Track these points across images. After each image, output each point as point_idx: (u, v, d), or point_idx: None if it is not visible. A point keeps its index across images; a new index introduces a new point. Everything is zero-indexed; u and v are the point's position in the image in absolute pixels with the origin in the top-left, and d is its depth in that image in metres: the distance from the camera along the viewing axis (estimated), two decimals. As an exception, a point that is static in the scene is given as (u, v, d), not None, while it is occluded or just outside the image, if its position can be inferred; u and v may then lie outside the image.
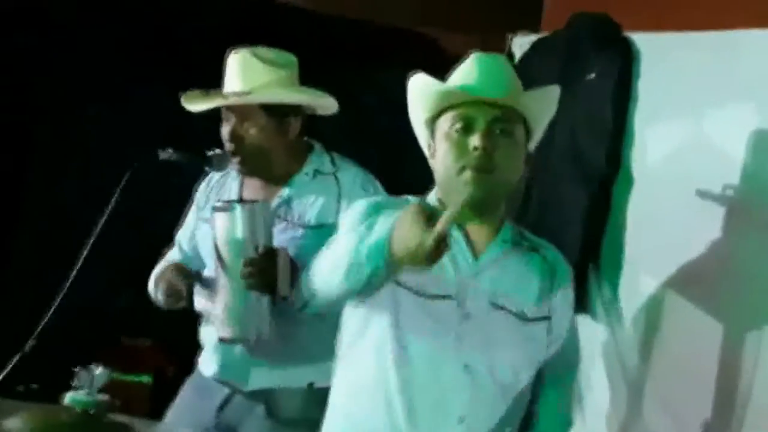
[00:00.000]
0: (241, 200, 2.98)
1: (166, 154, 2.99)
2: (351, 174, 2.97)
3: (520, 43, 3.87)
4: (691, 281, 3.10)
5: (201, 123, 3.15)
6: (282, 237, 2.90)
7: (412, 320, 2.30)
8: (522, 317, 2.36)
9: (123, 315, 5.11)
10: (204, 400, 3.02)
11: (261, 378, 2.95)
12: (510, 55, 3.85)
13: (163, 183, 3.14)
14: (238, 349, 2.97)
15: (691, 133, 3.22)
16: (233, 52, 2.98)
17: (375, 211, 2.29)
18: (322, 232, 2.78)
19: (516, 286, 2.37)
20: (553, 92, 2.39)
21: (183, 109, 3.04)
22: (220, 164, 3.02)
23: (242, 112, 2.93)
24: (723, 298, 3.00)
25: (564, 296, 2.45)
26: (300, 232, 2.93)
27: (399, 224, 2.01)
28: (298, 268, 2.79)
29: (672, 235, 3.17)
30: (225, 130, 2.96)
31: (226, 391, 3.00)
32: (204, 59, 3.24)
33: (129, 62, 5.26)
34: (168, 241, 3.30)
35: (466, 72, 2.33)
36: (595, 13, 3.55)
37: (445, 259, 2.30)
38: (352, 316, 2.40)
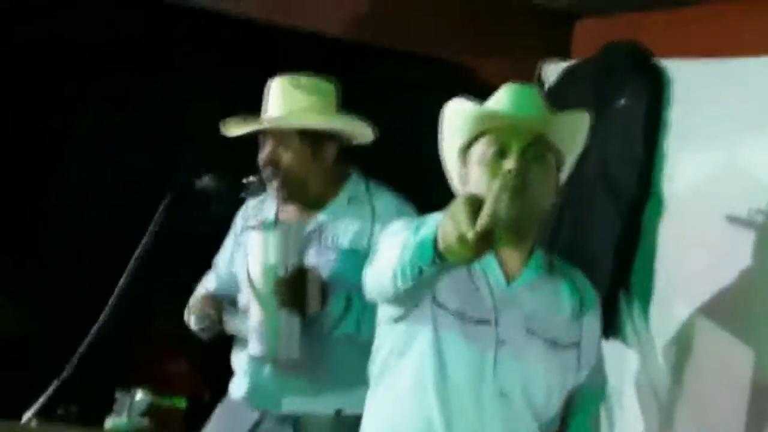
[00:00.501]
0: (275, 221, 3.03)
1: (202, 181, 3.08)
2: (385, 200, 3.02)
3: (551, 71, 3.89)
4: (721, 306, 3.09)
5: (237, 150, 3.20)
6: (316, 260, 2.95)
7: (452, 343, 2.32)
8: (554, 343, 2.38)
9: (160, 339, 5.16)
10: (235, 423, 3.05)
11: (289, 402, 2.98)
12: (540, 83, 3.87)
13: (200, 210, 3.18)
14: (267, 372, 3.01)
15: (722, 159, 3.22)
16: (274, 78, 3.05)
17: (419, 220, 2.32)
18: (356, 255, 2.84)
19: (548, 312, 2.39)
20: (585, 119, 2.42)
21: (221, 136, 3.09)
22: (255, 191, 3.09)
23: (278, 137, 2.98)
24: (754, 324, 2.99)
25: (592, 323, 2.48)
26: (333, 255, 2.97)
27: (445, 217, 1.99)
28: (329, 288, 2.87)
29: (703, 261, 3.17)
30: (262, 156, 3.02)
31: (256, 415, 3.03)
32: (241, 88, 3.29)
33: (171, 90, 5.33)
34: (206, 266, 3.34)
35: (500, 100, 2.38)
36: (627, 41, 3.57)
37: (483, 285, 2.35)
38: (389, 334, 2.41)
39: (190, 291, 3.24)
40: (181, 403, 4.77)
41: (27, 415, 2.62)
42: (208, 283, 3.25)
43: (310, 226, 3.01)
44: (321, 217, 3.02)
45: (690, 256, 3.23)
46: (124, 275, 2.89)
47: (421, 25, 3.92)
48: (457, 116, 2.39)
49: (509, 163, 2.29)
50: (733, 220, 3.07)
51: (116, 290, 2.87)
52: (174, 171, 3.25)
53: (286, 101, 3.01)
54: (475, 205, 1.95)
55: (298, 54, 3.32)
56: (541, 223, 2.42)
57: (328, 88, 3.06)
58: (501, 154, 2.32)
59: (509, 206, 2.27)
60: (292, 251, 2.86)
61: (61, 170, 5.46)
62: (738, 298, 3.04)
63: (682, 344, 3.22)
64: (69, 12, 4.78)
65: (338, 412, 2.93)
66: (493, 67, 3.99)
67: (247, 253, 2.93)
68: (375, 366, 2.45)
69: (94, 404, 2.63)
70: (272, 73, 3.07)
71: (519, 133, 2.32)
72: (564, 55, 3.97)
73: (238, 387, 3.11)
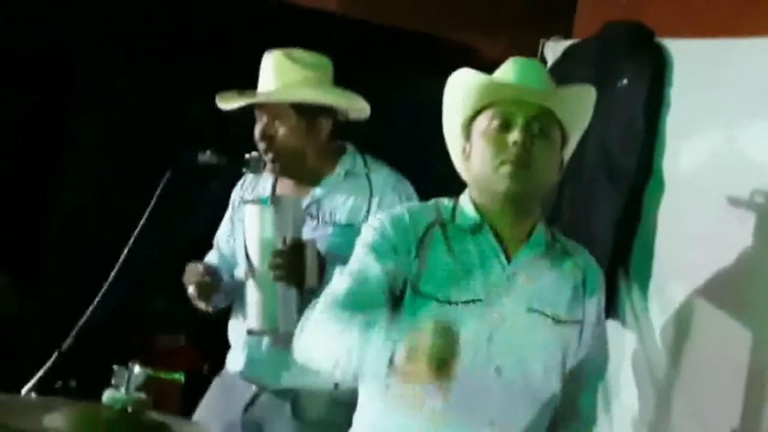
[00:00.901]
0: (272, 196, 3.03)
1: (204, 156, 3.06)
2: (383, 175, 3.02)
3: (553, 49, 3.88)
4: (720, 288, 3.10)
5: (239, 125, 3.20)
6: (312, 235, 2.95)
7: None
8: (556, 320, 2.38)
9: (158, 313, 5.17)
10: (231, 398, 3.07)
11: (287, 377, 2.98)
12: (542, 61, 3.85)
13: (201, 185, 3.18)
14: (264, 346, 3.01)
15: (723, 140, 3.21)
16: (267, 52, 3.03)
17: (389, 240, 2.34)
18: (352, 230, 2.82)
19: (549, 289, 2.40)
20: (590, 93, 2.43)
21: (220, 110, 3.09)
22: (257, 167, 3.07)
23: (273, 111, 2.98)
24: (753, 305, 2.99)
25: (595, 302, 2.48)
26: (330, 230, 2.98)
27: (414, 342, 2.00)
28: (326, 262, 2.87)
29: (702, 242, 3.17)
30: (257, 130, 3.01)
31: (253, 389, 3.04)
32: (237, 63, 3.29)
33: (167, 63, 5.31)
34: (205, 243, 3.34)
35: (504, 73, 2.37)
36: (628, 20, 3.55)
37: (474, 263, 2.35)
38: None
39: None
40: (180, 377, 4.79)
41: (26, 388, 2.62)
42: (209, 259, 3.25)
43: (307, 200, 3.01)
44: (317, 191, 3.02)
45: (689, 237, 3.23)
46: (124, 251, 2.89)
47: (423, 3, 3.91)
48: (461, 89, 2.38)
49: (514, 136, 2.29)
50: (733, 201, 3.07)
51: (116, 266, 2.87)
52: (175, 147, 3.23)
53: (280, 75, 2.99)
54: (451, 337, 1.97)
55: (298, 30, 3.31)
56: (541, 200, 2.43)
57: (322, 62, 3.05)
58: (505, 126, 2.32)
59: (512, 179, 2.28)
60: (289, 225, 2.86)
61: (63, 151, 5.46)
62: (737, 279, 3.05)
63: (680, 325, 3.23)
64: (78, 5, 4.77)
65: (336, 386, 2.91)
66: (496, 45, 4.01)
67: (244, 227, 2.93)
68: None
69: (93, 378, 2.63)
70: (266, 48, 3.06)
71: (524, 106, 2.32)
72: (566, 33, 3.96)
73: (234, 361, 3.10)
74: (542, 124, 2.32)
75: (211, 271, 3.04)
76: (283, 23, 4.00)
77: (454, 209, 2.43)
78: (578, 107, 2.41)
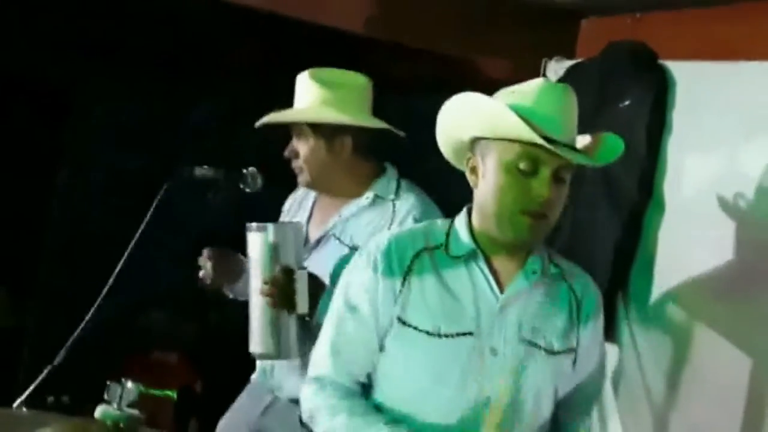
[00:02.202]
0: (274, 223, 3.03)
1: (200, 170, 3.10)
2: (409, 203, 3.02)
3: (555, 69, 3.87)
4: (719, 312, 3.09)
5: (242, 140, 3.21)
6: (329, 254, 3.01)
7: (428, 361, 2.28)
8: (549, 351, 2.33)
9: (153, 329, 5.16)
10: (252, 403, 3.15)
11: (293, 388, 2.94)
12: (544, 81, 3.86)
13: (197, 199, 3.18)
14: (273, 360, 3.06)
15: (724, 163, 3.21)
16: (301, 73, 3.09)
17: (370, 291, 2.32)
18: None
19: (543, 319, 2.34)
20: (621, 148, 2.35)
21: (226, 126, 3.12)
22: (253, 182, 3.15)
23: (296, 130, 3.06)
24: (752, 330, 2.98)
25: (591, 328, 2.42)
26: (347, 252, 2.97)
27: None
28: (324, 288, 2.88)
29: (702, 265, 3.15)
30: (288, 148, 3.10)
31: (270, 397, 3.11)
32: (252, 81, 3.31)
33: (170, 76, 5.32)
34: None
35: (539, 104, 2.24)
36: (632, 41, 3.55)
37: (465, 293, 2.30)
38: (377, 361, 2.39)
39: (185, 282, 3.23)
40: (172, 394, 4.79)
41: (17, 402, 2.62)
42: None
43: (334, 220, 3.07)
44: (344, 212, 3.07)
45: (690, 260, 3.22)
46: (119, 265, 2.89)
47: (426, 21, 3.93)
48: (485, 112, 2.27)
49: (542, 190, 2.22)
50: (733, 225, 3.06)
51: (110, 280, 2.87)
52: (173, 161, 3.24)
53: (303, 95, 3.07)
54: None
55: (308, 48, 3.32)
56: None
57: (349, 80, 3.08)
58: (533, 171, 2.23)
59: (530, 232, 2.25)
60: (284, 252, 2.89)
61: (59, 167, 5.46)
62: (736, 304, 3.04)
63: (679, 349, 3.22)
64: (76, 8, 4.78)
65: None
66: (499, 64, 4.00)
67: (248, 253, 2.96)
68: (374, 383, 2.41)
69: (85, 394, 2.62)
70: (279, 66, 3.09)
71: (553, 157, 2.22)
72: (569, 53, 3.96)
73: (256, 369, 3.20)
74: (565, 172, 2.25)
75: (230, 255, 3.12)
76: (290, 40, 4.00)
77: (447, 234, 2.37)
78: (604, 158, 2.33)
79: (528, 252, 2.35)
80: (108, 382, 2.16)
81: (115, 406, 2.12)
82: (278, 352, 2.89)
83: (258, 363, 3.16)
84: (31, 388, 2.64)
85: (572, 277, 2.43)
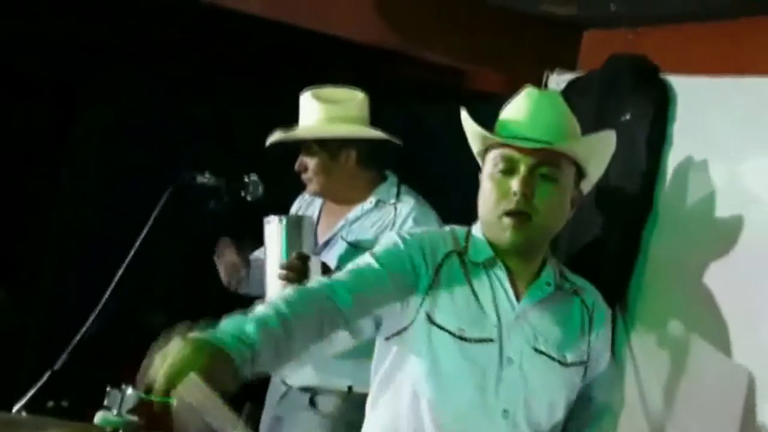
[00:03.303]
0: (287, 215, 3.25)
1: (202, 177, 3.20)
2: (409, 206, 3.24)
3: (557, 81, 3.87)
4: (717, 324, 3.09)
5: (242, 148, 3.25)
6: (337, 254, 3.22)
7: (450, 363, 2.28)
8: (560, 362, 2.34)
9: (153, 335, 5.15)
10: (272, 394, 3.40)
11: (304, 377, 3.23)
12: (546, 93, 3.86)
13: (199, 205, 3.21)
14: None
15: (724, 176, 3.21)
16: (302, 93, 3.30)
17: (403, 251, 2.30)
18: None
19: (556, 330, 2.35)
20: (606, 139, 2.36)
21: (228, 133, 3.17)
22: (254, 190, 3.30)
23: (304, 146, 3.28)
24: (750, 344, 2.99)
25: (602, 343, 2.44)
26: (353, 251, 3.14)
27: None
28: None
29: (701, 277, 3.16)
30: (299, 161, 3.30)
31: (284, 387, 3.33)
32: (254, 82, 3.35)
33: (172, 77, 5.32)
34: (202, 262, 3.35)
35: (516, 110, 2.31)
36: (633, 54, 3.56)
37: (488, 302, 2.31)
38: (386, 353, 2.38)
39: (185, 287, 3.25)
40: (172, 401, 4.78)
41: (17, 407, 2.62)
42: (258, 252, 3.43)
43: (341, 222, 3.29)
44: (350, 216, 3.29)
45: (688, 274, 3.22)
46: (120, 269, 2.90)
47: (430, 32, 3.94)
48: (467, 129, 2.36)
49: (515, 185, 2.25)
50: (733, 240, 3.07)
51: (111, 284, 2.88)
52: (176, 167, 3.27)
53: (308, 113, 3.28)
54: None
55: (311, 56, 3.35)
56: (550, 239, 2.38)
57: (348, 96, 3.30)
58: (509, 171, 2.26)
59: (514, 231, 2.25)
60: (297, 241, 3.10)
61: (61, 164, 5.46)
62: (736, 318, 3.04)
63: (677, 362, 3.22)
64: (81, 8, 4.79)
65: (350, 389, 3.18)
66: (501, 76, 4.01)
67: (264, 242, 3.18)
68: (376, 378, 2.42)
69: (85, 400, 2.62)
70: (282, 72, 3.12)
71: (529, 149, 2.25)
72: (570, 66, 3.97)
73: None
74: (548, 168, 2.26)
75: (241, 255, 3.30)
76: (292, 48, 4.01)
77: (466, 239, 2.38)
78: (590, 152, 2.33)
79: (542, 264, 2.36)
80: (108, 388, 2.17)
81: (115, 412, 2.13)
82: None
83: None
84: (31, 392, 2.64)
85: (583, 291, 2.44)
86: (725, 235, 3.11)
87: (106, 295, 2.87)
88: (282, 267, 3.07)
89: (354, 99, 3.28)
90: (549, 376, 2.33)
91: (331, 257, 3.22)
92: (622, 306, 3.43)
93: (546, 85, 3.89)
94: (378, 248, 2.34)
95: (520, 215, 2.24)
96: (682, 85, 3.40)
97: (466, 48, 3.99)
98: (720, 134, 3.23)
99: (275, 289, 3.08)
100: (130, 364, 5.13)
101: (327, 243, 3.29)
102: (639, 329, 3.38)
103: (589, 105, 3.52)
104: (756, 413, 2.94)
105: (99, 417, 2.13)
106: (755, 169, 3.11)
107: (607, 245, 3.47)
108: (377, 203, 3.28)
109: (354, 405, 2.89)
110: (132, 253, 2.97)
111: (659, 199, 3.39)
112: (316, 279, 2.45)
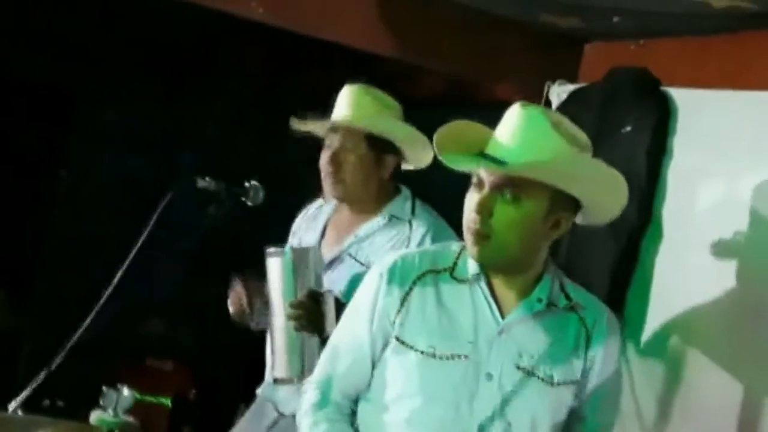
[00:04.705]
0: (292, 247, 3.07)
1: (203, 182, 3.10)
2: (425, 224, 3.04)
3: (558, 92, 3.89)
4: (714, 337, 3.10)
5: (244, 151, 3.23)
6: (344, 273, 3.03)
7: (423, 381, 2.27)
8: (549, 382, 2.29)
9: (149, 337, 5.16)
10: (258, 420, 3.15)
11: (297, 404, 3.01)
12: (547, 104, 3.87)
13: (198, 209, 3.20)
14: None
15: (724, 190, 3.22)
16: (347, 85, 3.11)
17: (373, 301, 2.32)
18: None
19: (545, 349, 2.29)
20: (590, 163, 2.26)
21: (227, 138, 3.13)
22: (255, 195, 3.13)
23: (346, 137, 3.04)
24: (748, 357, 3.00)
25: (599, 361, 2.35)
26: (362, 270, 2.94)
27: None
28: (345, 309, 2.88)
29: (698, 291, 3.17)
30: (326, 155, 3.06)
31: (275, 414, 3.11)
32: (256, 88, 3.33)
33: (173, 81, 5.34)
34: (200, 267, 3.35)
35: (499, 127, 2.27)
36: (635, 67, 3.57)
37: (466, 318, 2.28)
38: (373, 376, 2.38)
39: (184, 291, 3.24)
40: (167, 402, 4.79)
41: (12, 405, 2.62)
42: None
43: (350, 239, 3.08)
44: (360, 232, 3.08)
45: (686, 287, 3.23)
46: (119, 272, 2.90)
47: (433, 43, 3.94)
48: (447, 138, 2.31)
49: (475, 203, 2.22)
50: (731, 253, 3.07)
51: (110, 287, 2.88)
52: (176, 171, 3.26)
53: (357, 106, 3.06)
54: None
55: (313, 64, 3.34)
56: (533, 258, 2.30)
57: (394, 103, 3.11)
58: (479, 187, 2.22)
59: (473, 247, 2.24)
60: (306, 275, 2.92)
61: (60, 168, 5.47)
62: (733, 330, 3.04)
63: (673, 374, 3.22)
64: (81, 13, 4.80)
65: None
66: (503, 86, 4.02)
67: (267, 278, 2.97)
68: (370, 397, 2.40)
69: (80, 400, 2.63)
70: (282, 77, 3.10)
71: (497, 168, 2.19)
72: (572, 77, 3.97)
73: (262, 385, 3.19)
74: (511, 190, 2.19)
75: (251, 297, 3.09)
76: (288, 55, 4.02)
77: (458, 256, 2.35)
78: (565, 175, 2.22)
79: (537, 279, 2.32)
80: (104, 388, 2.17)
81: (110, 412, 2.13)
82: (303, 376, 2.84)
83: (266, 378, 3.14)
84: (27, 391, 2.64)
85: (584, 308, 2.36)
86: (723, 249, 3.12)
87: (104, 297, 2.86)
88: (292, 306, 2.89)
89: (398, 107, 3.11)
90: (531, 394, 2.27)
91: (337, 277, 3.03)
92: (619, 317, 3.42)
93: (547, 96, 3.90)
94: (356, 305, 2.38)
95: (477, 234, 2.23)
96: (683, 97, 3.41)
97: (467, 58, 4.00)
98: (721, 147, 3.23)
99: (281, 331, 2.92)
100: (126, 365, 5.17)
101: (333, 261, 3.08)
102: (635, 341, 3.38)
103: (590, 117, 3.53)
104: (754, 428, 2.94)
105: (95, 417, 2.13)
106: (755, 183, 3.11)
107: (604, 257, 3.47)
108: (390, 219, 3.06)
109: None
110: (131, 256, 2.95)
111: (658, 212, 3.40)
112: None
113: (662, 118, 3.41)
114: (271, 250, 2.96)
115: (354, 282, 2.92)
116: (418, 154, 3.09)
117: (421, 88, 4.58)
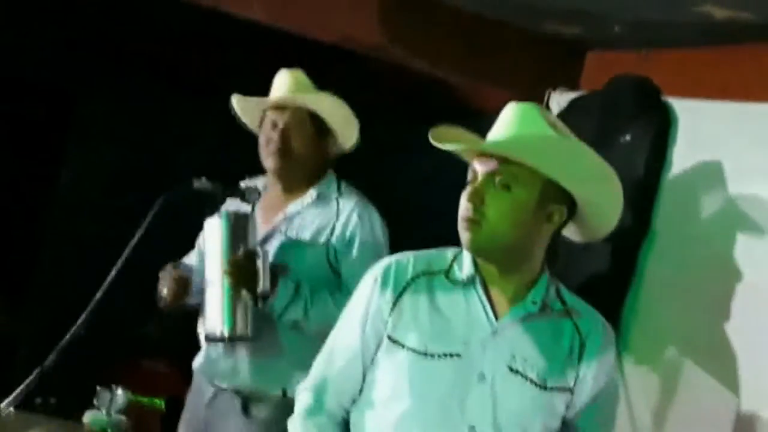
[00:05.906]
0: (228, 212, 3.17)
1: (198, 183, 3.17)
2: (352, 202, 3.22)
3: (559, 100, 3.89)
4: (710, 347, 3.09)
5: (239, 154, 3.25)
6: (280, 247, 3.18)
7: (414, 380, 2.26)
8: (541, 386, 2.28)
9: (143, 337, 5.16)
10: (198, 397, 3.27)
11: (237, 378, 3.17)
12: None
13: (193, 211, 3.21)
14: (220, 349, 3.19)
15: (723, 201, 3.22)
16: (282, 70, 3.26)
17: (367, 306, 2.33)
18: (313, 248, 3.18)
19: (539, 352, 2.28)
20: (573, 149, 2.29)
21: (223, 139, 3.17)
22: (251, 196, 3.21)
23: (293, 116, 3.19)
24: (745, 368, 2.99)
25: (593, 372, 2.33)
26: (294, 245, 3.18)
27: None
28: (282, 271, 3.10)
29: (695, 301, 3.17)
30: (274, 131, 3.19)
31: (212, 389, 3.22)
32: (253, 86, 3.36)
33: (171, 80, 5.34)
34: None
35: (495, 124, 2.32)
36: (636, 76, 3.57)
37: (459, 318, 2.28)
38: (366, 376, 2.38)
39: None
40: (160, 402, 4.78)
41: (5, 403, 2.61)
42: (188, 259, 3.40)
43: (280, 216, 3.22)
44: (290, 210, 3.22)
45: (683, 296, 3.23)
46: (112, 273, 2.92)
47: (435, 50, 3.95)
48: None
49: (466, 192, 2.26)
50: (730, 264, 3.07)
51: (102, 287, 2.90)
52: (172, 172, 3.27)
53: (299, 86, 3.22)
54: None
55: (307, 64, 3.35)
56: (529, 256, 2.30)
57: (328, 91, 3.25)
58: (473, 180, 2.26)
59: (465, 234, 2.25)
60: (242, 237, 3.07)
61: (58, 169, 5.47)
62: (730, 341, 3.04)
63: (669, 384, 3.22)
64: (80, 12, 4.80)
65: (284, 392, 3.09)
66: (504, 93, 4.01)
67: (204, 240, 3.15)
68: (361, 398, 2.39)
69: (74, 399, 2.62)
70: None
71: (488, 160, 2.24)
72: (573, 85, 3.98)
73: (196, 360, 3.30)
74: (502, 177, 2.23)
75: (184, 277, 3.20)
76: (284, 55, 4.03)
77: (454, 260, 2.35)
78: (564, 158, 2.26)
79: (533, 282, 2.32)
80: (98, 388, 2.17)
81: (104, 412, 2.13)
82: (236, 331, 3.04)
83: (202, 352, 3.24)
84: (19, 389, 2.64)
85: (579, 315, 2.35)
86: (722, 259, 3.12)
87: (97, 296, 2.87)
88: (229, 263, 3.03)
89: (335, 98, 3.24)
90: (523, 397, 2.26)
91: (269, 249, 3.15)
92: (614, 326, 3.42)
93: (547, 104, 3.90)
94: (351, 307, 2.39)
95: (470, 221, 2.24)
96: (683, 108, 3.41)
97: (468, 65, 4.00)
98: (721, 158, 3.23)
99: (217, 287, 3.05)
100: (120, 365, 5.15)
101: (266, 238, 3.19)
102: (632, 351, 3.37)
103: (590, 125, 3.52)
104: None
105: (88, 417, 2.13)
106: (754, 194, 3.11)
107: (602, 266, 3.46)
108: (318, 197, 3.22)
109: (288, 411, 2.80)
110: (124, 256, 2.97)
111: (657, 221, 3.40)
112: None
113: (662, 128, 3.41)
114: (209, 218, 3.11)
115: (284, 249, 3.16)
116: (348, 136, 3.25)
117: (419, 96, 4.57)
